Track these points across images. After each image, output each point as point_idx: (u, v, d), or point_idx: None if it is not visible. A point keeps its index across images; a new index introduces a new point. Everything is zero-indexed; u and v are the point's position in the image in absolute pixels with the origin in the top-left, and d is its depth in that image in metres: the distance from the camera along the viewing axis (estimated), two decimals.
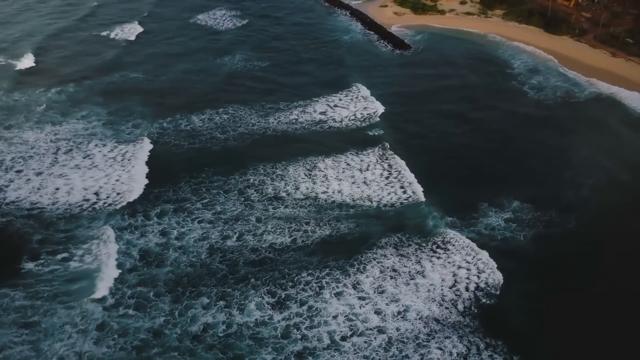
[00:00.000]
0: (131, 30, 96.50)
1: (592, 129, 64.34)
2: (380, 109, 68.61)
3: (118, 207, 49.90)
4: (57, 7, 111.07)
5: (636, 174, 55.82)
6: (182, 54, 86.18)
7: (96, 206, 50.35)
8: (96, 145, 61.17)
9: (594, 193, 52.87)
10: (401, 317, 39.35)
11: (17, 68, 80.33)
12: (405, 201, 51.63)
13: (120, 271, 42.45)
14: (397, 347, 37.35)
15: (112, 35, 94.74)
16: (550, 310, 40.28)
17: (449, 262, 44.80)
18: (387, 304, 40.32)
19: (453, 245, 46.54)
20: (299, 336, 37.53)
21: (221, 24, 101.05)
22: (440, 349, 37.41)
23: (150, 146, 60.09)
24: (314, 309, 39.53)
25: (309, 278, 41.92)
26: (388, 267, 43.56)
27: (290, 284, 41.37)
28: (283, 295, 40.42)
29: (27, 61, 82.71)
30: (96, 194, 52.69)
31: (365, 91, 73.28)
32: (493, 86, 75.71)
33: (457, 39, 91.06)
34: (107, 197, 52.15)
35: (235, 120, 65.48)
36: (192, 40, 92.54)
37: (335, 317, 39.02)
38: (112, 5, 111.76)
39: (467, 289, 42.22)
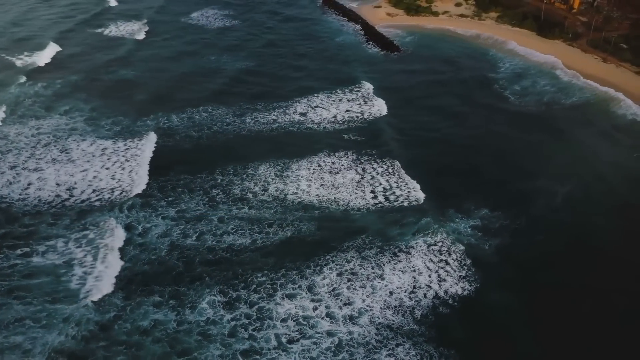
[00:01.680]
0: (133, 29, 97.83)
1: (574, 135, 63.18)
2: (360, 111, 68.17)
3: (95, 203, 50.55)
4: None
5: (613, 185, 54.64)
6: (174, 52, 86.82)
7: (66, 203, 50.81)
8: (75, 140, 61.86)
9: (566, 203, 51.79)
10: (353, 322, 39.01)
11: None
12: (373, 206, 51.24)
13: (84, 267, 42.77)
14: (347, 352, 37.06)
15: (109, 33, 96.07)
16: (510, 323, 39.50)
17: (410, 268, 44.37)
18: (340, 308, 40.01)
19: (417, 250, 46.09)
20: (247, 335, 37.52)
21: (212, 23, 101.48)
22: (391, 355, 37.00)
23: (124, 144, 60.38)
24: (264, 309, 39.42)
25: (263, 279, 41.80)
26: (347, 271, 43.22)
27: (242, 284, 41.31)
28: (234, 296, 40.40)
29: None
30: (69, 189, 53.22)
31: (347, 94, 72.86)
32: (476, 90, 74.68)
33: (448, 42, 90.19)
34: (82, 192, 52.73)
35: (213, 120, 65.55)
36: (182, 39, 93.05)
37: (285, 319, 38.86)
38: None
39: (425, 296, 41.73)
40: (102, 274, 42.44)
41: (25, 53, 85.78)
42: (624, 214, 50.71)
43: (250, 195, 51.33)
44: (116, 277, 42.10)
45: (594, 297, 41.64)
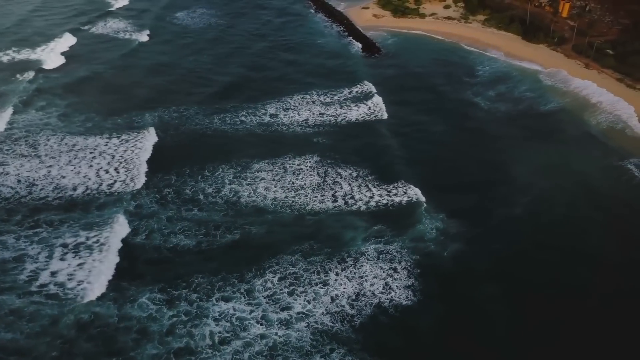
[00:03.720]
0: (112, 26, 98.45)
1: (544, 143, 61.92)
2: (329, 114, 67.80)
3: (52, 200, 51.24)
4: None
5: (576, 195, 53.58)
6: (155, 51, 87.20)
7: (29, 198, 51.48)
8: (46, 136, 62.59)
9: (526, 213, 50.86)
10: (289, 326, 38.88)
11: None
12: (332, 210, 50.88)
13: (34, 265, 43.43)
14: (281, 355, 37.01)
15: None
16: (449, 336, 39.02)
17: (357, 275, 44.04)
18: (277, 312, 39.93)
19: (367, 257, 45.69)
20: (183, 333, 37.92)
21: (197, 23, 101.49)
22: None
23: (94, 141, 60.93)
24: (203, 308, 39.71)
25: (201, 280, 41.99)
26: (290, 275, 43.12)
27: (184, 284, 41.61)
28: (175, 294, 40.77)
29: None
30: (34, 184, 53.87)
31: (321, 97, 72.44)
32: (448, 95, 73.51)
33: (429, 45, 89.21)
34: (43, 188, 53.15)
35: (182, 119, 65.82)
36: (162, 37, 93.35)
37: (218, 320, 38.96)
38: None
39: (368, 304, 41.33)
40: None
41: None
42: (583, 225, 49.85)
43: (201, 197, 51.46)
44: None
45: (540, 311, 41.03)
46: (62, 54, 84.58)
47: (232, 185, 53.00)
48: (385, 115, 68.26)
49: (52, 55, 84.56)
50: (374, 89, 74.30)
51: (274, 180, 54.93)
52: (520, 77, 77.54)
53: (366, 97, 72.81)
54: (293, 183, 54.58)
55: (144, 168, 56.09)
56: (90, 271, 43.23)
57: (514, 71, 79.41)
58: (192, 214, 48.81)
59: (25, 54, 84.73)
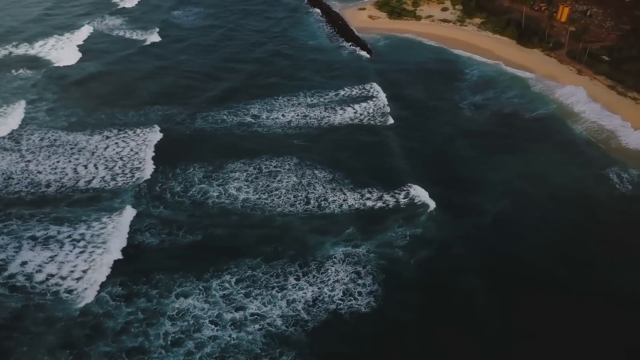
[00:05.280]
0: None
1: (523, 151, 60.84)
2: (312, 116, 67.74)
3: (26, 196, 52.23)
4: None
5: (549, 205, 52.70)
6: (147, 49, 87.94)
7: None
8: (31, 134, 63.68)
9: (497, 222, 50.13)
10: (241, 328, 38.97)
11: None
12: (302, 212, 50.88)
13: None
14: (232, 357, 37.19)
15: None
16: (404, 345, 38.80)
17: (319, 280, 43.91)
18: (231, 313, 40.06)
19: (332, 261, 45.47)
20: (137, 331, 38.46)
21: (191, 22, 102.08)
22: None
23: (74, 137, 61.82)
24: (160, 304, 40.33)
25: (162, 276, 42.54)
26: (248, 277, 43.20)
27: (144, 279, 42.26)
28: (135, 290, 41.50)
29: None
30: (9, 178, 55.00)
31: (308, 98, 72.44)
32: (433, 99, 72.62)
33: (422, 47, 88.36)
34: (18, 182, 54.33)
35: (165, 117, 66.44)
36: (158, 36, 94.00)
37: (173, 319, 39.37)
38: None
39: (325, 309, 41.13)
40: None
41: None
42: (555, 235, 49.10)
43: (168, 195, 51.91)
44: None
45: (496, 324, 40.44)
46: (61, 54, 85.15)
47: (203, 185, 53.37)
48: (363, 118, 67.96)
49: (53, 52, 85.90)
50: (359, 92, 74.09)
51: (249, 180, 55.16)
52: (508, 82, 76.33)
53: (352, 99, 72.74)
54: (269, 184, 54.74)
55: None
56: (59, 267, 43.98)
57: (503, 76, 78.18)
58: (158, 211, 49.35)
59: (35, 51, 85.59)
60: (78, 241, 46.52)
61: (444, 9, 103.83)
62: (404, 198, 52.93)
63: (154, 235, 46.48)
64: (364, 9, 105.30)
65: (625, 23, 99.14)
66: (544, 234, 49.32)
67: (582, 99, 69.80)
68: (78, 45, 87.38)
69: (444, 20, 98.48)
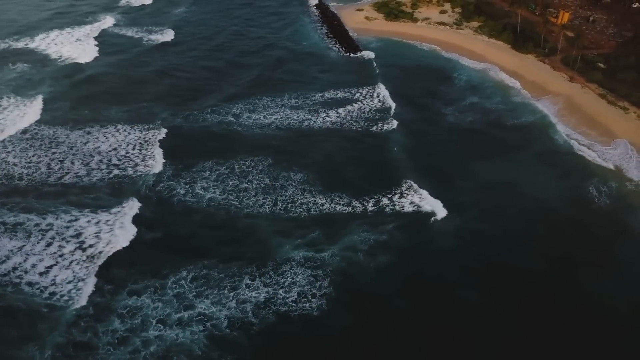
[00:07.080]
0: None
1: (503, 159, 59.70)
2: (294, 118, 67.77)
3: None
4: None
5: (521, 216, 51.77)
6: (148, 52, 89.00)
7: None
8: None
9: (462, 231, 49.48)
10: (185, 328, 39.41)
11: None
12: (270, 212, 50.99)
13: None
14: (175, 357, 37.70)
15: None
16: (342, 347, 38.82)
17: (274, 282, 43.96)
18: (179, 312, 40.48)
19: (291, 264, 45.53)
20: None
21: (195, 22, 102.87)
22: None
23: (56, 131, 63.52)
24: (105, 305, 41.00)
25: (117, 271, 43.64)
26: (202, 277, 43.52)
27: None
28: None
29: None
30: None
31: (292, 100, 72.43)
32: (417, 104, 71.79)
33: (414, 49, 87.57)
34: None
35: (149, 116, 67.32)
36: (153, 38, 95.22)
37: (121, 316, 40.09)
38: None
39: (274, 311, 41.30)
40: None
41: None
42: (522, 247, 48.23)
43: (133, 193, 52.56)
44: None
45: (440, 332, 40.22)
46: (63, 53, 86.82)
47: (170, 182, 54.05)
48: (345, 122, 67.30)
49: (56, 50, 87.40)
50: (343, 94, 73.77)
51: (219, 179, 55.42)
52: (495, 88, 74.87)
53: (338, 102, 72.41)
54: (239, 184, 54.95)
55: None
56: (25, 259, 45.28)
57: (491, 82, 76.65)
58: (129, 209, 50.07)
59: (35, 44, 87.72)
60: (45, 232, 47.74)
61: (443, 12, 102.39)
62: (373, 206, 52.46)
63: (120, 235, 47.11)
64: (361, 9, 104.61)
65: (628, 30, 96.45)
66: (515, 240, 48.60)
67: (566, 108, 67.84)
68: (71, 43, 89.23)
69: (441, 23, 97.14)
